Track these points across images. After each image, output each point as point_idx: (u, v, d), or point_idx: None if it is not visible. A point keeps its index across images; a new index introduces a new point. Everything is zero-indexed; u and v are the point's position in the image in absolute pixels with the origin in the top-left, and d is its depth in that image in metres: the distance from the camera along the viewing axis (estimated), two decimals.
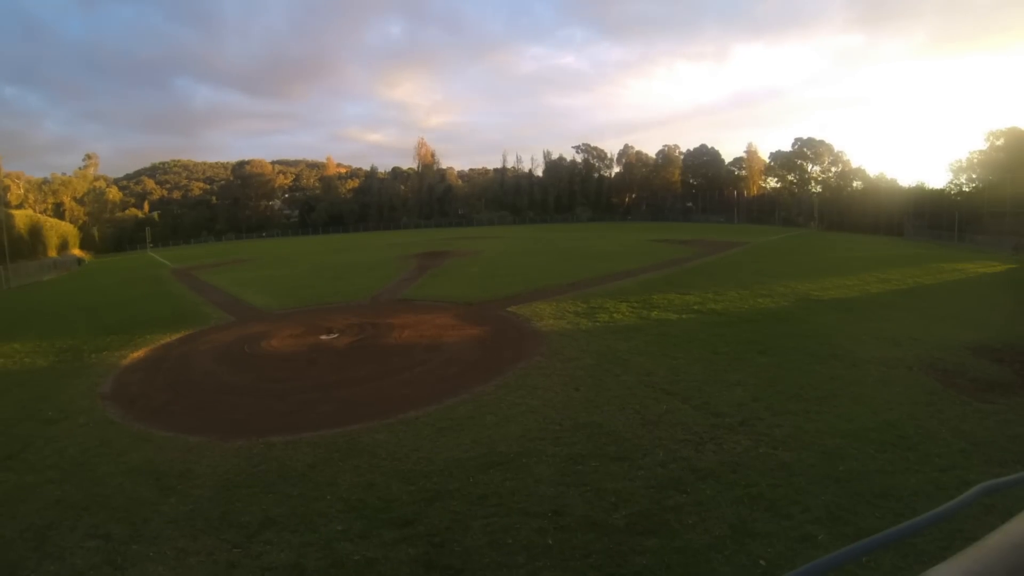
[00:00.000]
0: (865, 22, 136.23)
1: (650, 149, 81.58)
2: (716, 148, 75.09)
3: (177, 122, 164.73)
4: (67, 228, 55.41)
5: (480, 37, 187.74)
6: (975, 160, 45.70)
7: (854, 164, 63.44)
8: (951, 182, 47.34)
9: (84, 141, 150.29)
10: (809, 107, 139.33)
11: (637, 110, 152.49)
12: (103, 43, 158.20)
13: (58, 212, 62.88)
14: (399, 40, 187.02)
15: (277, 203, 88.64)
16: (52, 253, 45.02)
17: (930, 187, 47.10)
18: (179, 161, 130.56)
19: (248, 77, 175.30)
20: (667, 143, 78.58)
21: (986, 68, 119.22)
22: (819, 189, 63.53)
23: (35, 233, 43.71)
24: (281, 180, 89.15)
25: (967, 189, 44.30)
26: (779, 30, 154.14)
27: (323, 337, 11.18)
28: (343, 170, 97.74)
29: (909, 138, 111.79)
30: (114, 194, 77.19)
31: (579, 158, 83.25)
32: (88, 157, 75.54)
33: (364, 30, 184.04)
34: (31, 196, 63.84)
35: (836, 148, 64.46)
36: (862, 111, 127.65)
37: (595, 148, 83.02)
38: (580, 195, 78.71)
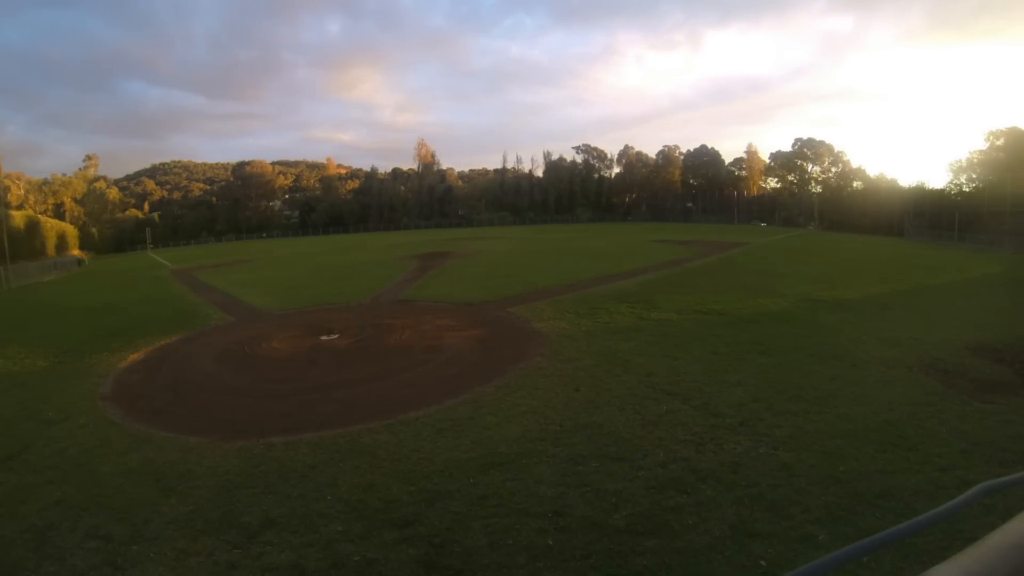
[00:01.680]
0: (851, 4, 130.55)
1: (650, 149, 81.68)
2: (716, 148, 75.22)
3: (138, 125, 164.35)
4: (67, 229, 55.42)
5: (422, 31, 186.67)
6: (975, 160, 45.75)
7: (854, 164, 63.53)
8: (951, 182, 47.40)
9: (50, 145, 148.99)
10: (798, 101, 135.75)
11: (616, 106, 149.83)
12: (43, 50, 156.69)
13: (58, 213, 62.94)
14: (338, 37, 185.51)
15: (277, 204, 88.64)
16: (52, 254, 45.04)
17: (930, 187, 47.12)
18: (179, 162, 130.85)
19: (202, 79, 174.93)
20: (667, 143, 78.74)
21: (985, 56, 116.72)
22: (819, 189, 63.56)
23: (35, 234, 43.73)
24: (281, 181, 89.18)
25: (967, 189, 44.31)
26: (753, 14, 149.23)
27: (323, 338, 11.18)
28: (343, 171, 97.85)
29: (907, 134, 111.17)
30: (114, 195, 77.28)
31: (579, 158, 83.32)
32: (88, 158, 75.62)
33: (301, 28, 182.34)
34: (31, 197, 63.90)
35: (836, 148, 64.56)
36: (855, 105, 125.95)
37: (595, 148, 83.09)
38: (580, 195, 78.73)
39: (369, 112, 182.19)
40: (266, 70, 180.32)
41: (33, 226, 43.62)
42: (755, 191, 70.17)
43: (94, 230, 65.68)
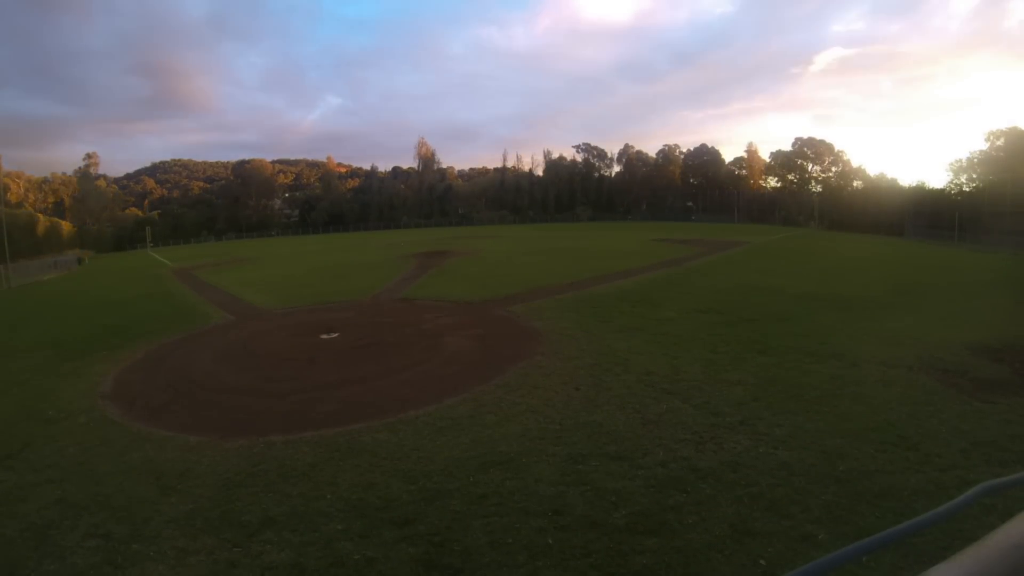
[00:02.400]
0: None
1: (651, 149, 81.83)
2: (716, 148, 75.32)
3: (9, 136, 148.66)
4: (67, 227, 55.42)
5: (188, 20, 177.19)
6: (975, 160, 45.76)
7: (854, 163, 63.56)
8: (951, 182, 47.47)
9: None
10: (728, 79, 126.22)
11: (519, 89, 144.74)
12: None
13: (58, 211, 62.96)
14: (110, 37, 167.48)
15: (277, 202, 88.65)
16: (52, 252, 45.02)
17: (930, 187, 47.16)
18: (179, 160, 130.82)
19: (59, 92, 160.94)
20: (667, 143, 78.85)
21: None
22: (819, 188, 63.59)
23: (35, 232, 43.72)
24: (281, 179, 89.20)
25: (967, 189, 44.33)
26: None
27: (323, 336, 11.18)
28: (343, 169, 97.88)
29: (900, 126, 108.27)
30: (114, 193, 77.29)
31: (579, 157, 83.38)
32: (88, 156, 75.68)
33: (75, 35, 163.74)
34: (31, 195, 63.94)
35: (837, 147, 64.60)
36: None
37: (596, 147, 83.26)
38: (580, 194, 78.77)
39: (255, 114, 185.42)
40: (95, 81, 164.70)
41: (33, 224, 43.60)
42: (756, 189, 70.19)
43: (94, 228, 65.70)
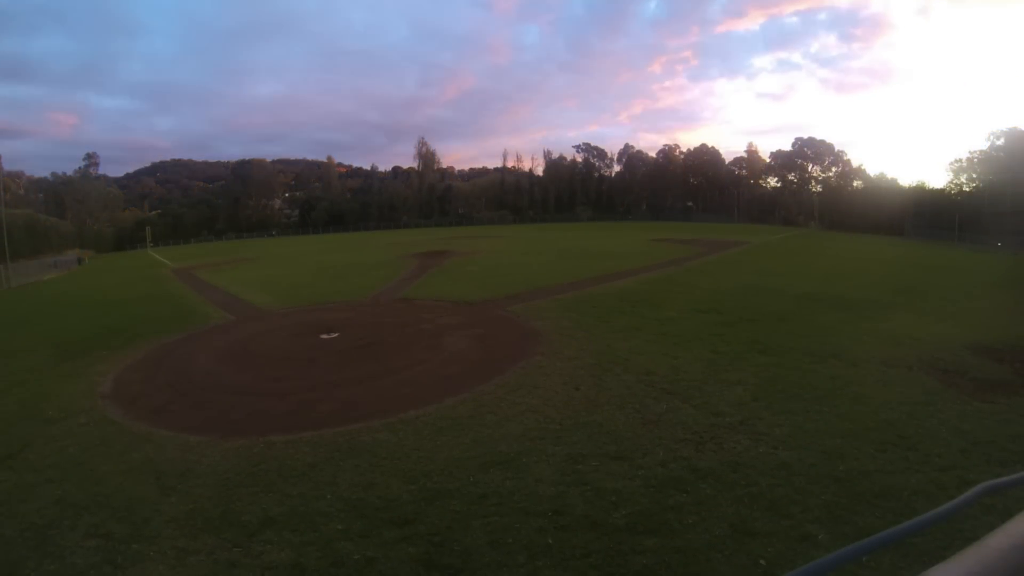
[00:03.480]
0: None
1: (651, 149, 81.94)
2: (716, 148, 75.36)
3: None
4: (67, 227, 55.42)
5: None
6: (975, 160, 45.78)
7: (855, 163, 63.56)
8: (951, 182, 47.49)
9: None
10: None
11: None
12: None
13: (58, 211, 62.93)
14: None
15: (277, 202, 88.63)
16: (52, 252, 45.02)
17: (930, 187, 47.19)
18: (179, 160, 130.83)
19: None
20: (667, 143, 79.01)
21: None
22: (819, 188, 63.63)
23: (35, 232, 43.72)
24: (281, 179, 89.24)
25: (967, 189, 44.35)
26: None
27: (323, 336, 11.18)
28: (343, 169, 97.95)
29: (903, 119, 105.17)
30: (114, 193, 77.29)
31: (579, 157, 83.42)
32: (88, 156, 75.70)
33: None
34: (31, 195, 63.93)
35: (837, 147, 64.61)
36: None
37: (595, 147, 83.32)
38: (581, 194, 78.82)
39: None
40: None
41: (33, 224, 43.60)
42: (755, 190, 70.21)
43: (94, 228, 65.69)
